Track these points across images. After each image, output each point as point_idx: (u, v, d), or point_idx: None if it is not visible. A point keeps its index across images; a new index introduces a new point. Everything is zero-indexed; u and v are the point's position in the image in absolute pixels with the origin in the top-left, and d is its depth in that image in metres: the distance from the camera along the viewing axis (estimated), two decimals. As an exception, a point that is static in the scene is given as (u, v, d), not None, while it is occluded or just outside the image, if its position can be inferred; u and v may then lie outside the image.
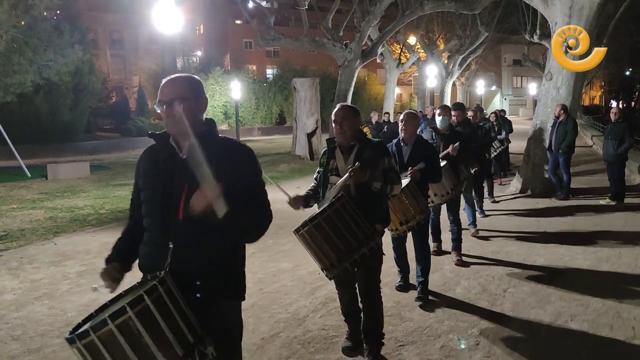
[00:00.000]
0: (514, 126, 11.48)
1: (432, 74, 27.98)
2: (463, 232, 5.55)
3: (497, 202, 8.59)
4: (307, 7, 17.17)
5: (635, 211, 7.59)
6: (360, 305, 3.36)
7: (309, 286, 4.73)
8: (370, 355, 3.26)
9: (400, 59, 25.46)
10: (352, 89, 17.72)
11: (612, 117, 8.31)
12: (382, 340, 3.34)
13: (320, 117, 17.11)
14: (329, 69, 35.14)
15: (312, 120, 16.53)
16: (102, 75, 29.39)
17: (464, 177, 5.56)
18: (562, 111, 8.53)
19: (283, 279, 4.98)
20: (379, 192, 3.08)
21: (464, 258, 5.35)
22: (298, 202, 3.15)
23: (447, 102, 27.21)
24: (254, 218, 1.94)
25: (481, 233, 6.44)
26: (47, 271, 5.36)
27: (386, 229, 3.47)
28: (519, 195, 9.24)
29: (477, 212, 6.92)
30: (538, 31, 19.88)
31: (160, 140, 2.04)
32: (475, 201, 6.73)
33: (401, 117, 4.35)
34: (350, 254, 2.89)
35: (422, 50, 28.66)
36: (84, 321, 1.76)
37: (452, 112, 5.71)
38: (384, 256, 3.25)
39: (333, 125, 3.18)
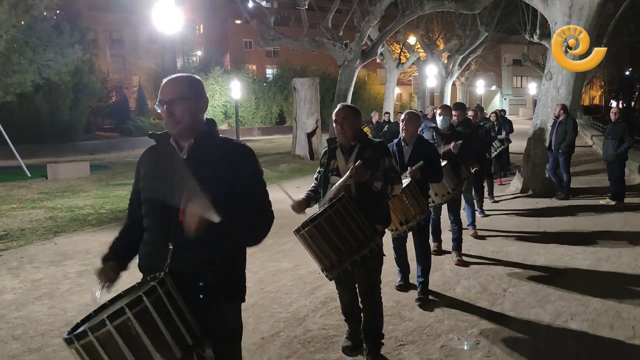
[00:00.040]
0: (514, 126, 11.49)
1: (432, 73, 27.98)
2: (463, 232, 5.55)
3: (497, 202, 8.59)
4: (307, 7, 17.17)
5: (635, 211, 7.60)
6: (361, 305, 3.36)
7: (309, 286, 4.73)
8: (369, 355, 3.26)
9: (400, 59, 25.45)
10: (352, 88, 17.72)
11: (612, 117, 8.32)
12: (382, 341, 3.34)
13: (320, 117, 17.11)
14: (328, 69, 35.16)
15: (312, 120, 16.53)
16: (102, 75, 29.40)
17: (464, 177, 5.56)
18: (562, 111, 8.54)
19: (283, 278, 4.98)
20: (379, 192, 3.07)
21: (464, 258, 5.36)
22: (301, 206, 3.17)
23: (447, 102, 27.23)
24: (255, 218, 1.92)
25: (481, 233, 6.45)
26: (48, 271, 5.36)
27: (386, 229, 3.47)
28: (519, 195, 9.25)
29: (477, 212, 6.93)
30: (538, 31, 19.89)
31: (161, 141, 2.03)
32: (475, 201, 6.74)
33: (402, 116, 4.34)
34: (350, 254, 2.88)
35: (422, 50, 28.67)
36: (83, 321, 1.76)
37: (453, 112, 5.71)
38: (384, 257, 3.25)
39: (334, 125, 3.17)
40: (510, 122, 11.37)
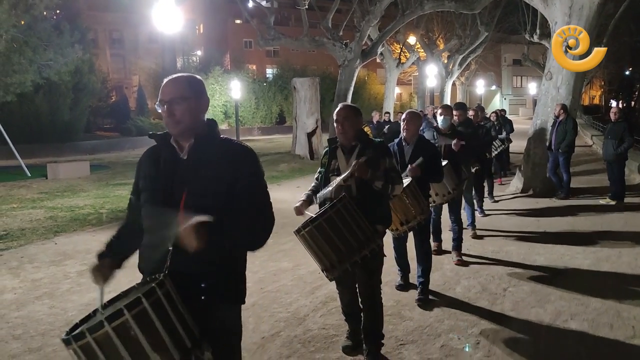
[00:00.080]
0: (514, 126, 11.50)
1: (432, 73, 27.98)
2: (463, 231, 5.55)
3: (497, 201, 8.59)
4: (307, 6, 17.17)
5: (635, 211, 7.60)
6: (361, 305, 3.35)
7: (309, 285, 4.74)
8: (370, 355, 3.26)
9: (400, 59, 25.45)
10: (352, 88, 17.72)
11: (612, 116, 8.32)
12: (382, 341, 3.34)
13: (320, 116, 17.11)
14: (328, 69, 35.16)
15: (312, 119, 16.53)
16: (102, 75, 29.38)
17: (465, 176, 5.56)
18: (562, 111, 8.54)
19: (283, 278, 4.99)
20: (380, 192, 3.06)
21: (464, 258, 5.36)
22: (304, 207, 3.17)
23: (447, 101, 27.23)
24: (254, 219, 1.90)
25: (481, 232, 6.45)
26: (48, 270, 5.37)
27: (387, 229, 3.47)
28: (519, 194, 9.25)
29: (477, 212, 6.93)
30: (538, 31, 19.90)
31: (161, 141, 2.02)
32: (475, 201, 6.74)
33: (403, 116, 4.33)
34: (351, 255, 2.87)
35: (422, 50, 28.67)
36: (82, 321, 1.75)
37: (454, 112, 5.71)
38: (384, 257, 3.25)
39: (335, 125, 3.16)
40: (510, 122, 11.39)
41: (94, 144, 23.36)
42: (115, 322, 1.59)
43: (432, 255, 4.56)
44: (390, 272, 4.65)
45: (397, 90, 36.59)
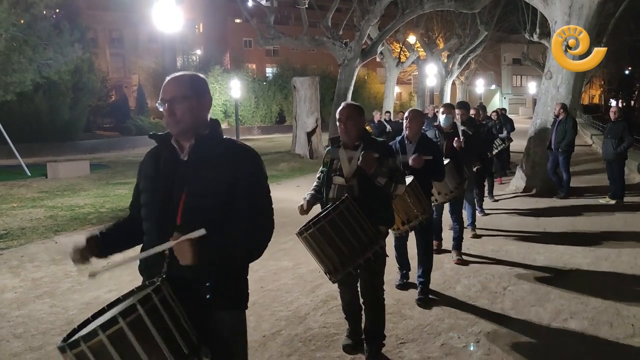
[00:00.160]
0: (514, 125, 11.51)
1: (431, 72, 27.99)
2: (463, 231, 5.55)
3: (497, 201, 8.60)
4: (307, 5, 17.19)
5: (635, 210, 7.61)
6: (362, 305, 3.35)
7: (310, 284, 4.74)
8: (370, 355, 3.26)
9: (400, 58, 25.46)
10: (352, 87, 17.73)
11: (612, 116, 8.33)
12: (383, 342, 3.34)
13: (320, 116, 17.10)
14: (328, 68, 35.14)
15: (312, 119, 16.53)
16: (101, 74, 29.35)
17: (466, 176, 5.56)
18: (561, 110, 8.54)
19: (284, 277, 4.99)
20: (383, 193, 3.04)
21: (464, 257, 5.37)
22: (307, 208, 3.16)
23: (447, 101, 27.19)
24: (254, 219, 1.88)
25: (481, 232, 6.46)
26: (48, 269, 5.37)
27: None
28: (519, 194, 9.26)
29: (477, 212, 6.92)
30: (538, 30, 19.91)
31: (162, 141, 1.98)
32: (475, 200, 6.74)
33: (406, 114, 4.32)
34: (354, 258, 2.83)
35: (422, 49, 28.67)
36: (80, 327, 1.74)
37: (456, 111, 5.71)
38: (387, 258, 3.25)
39: (337, 124, 3.14)
40: (511, 121, 11.40)
41: (94, 143, 23.34)
42: (109, 330, 1.56)
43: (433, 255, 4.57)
44: (390, 270, 4.63)
45: (397, 89, 36.61)
